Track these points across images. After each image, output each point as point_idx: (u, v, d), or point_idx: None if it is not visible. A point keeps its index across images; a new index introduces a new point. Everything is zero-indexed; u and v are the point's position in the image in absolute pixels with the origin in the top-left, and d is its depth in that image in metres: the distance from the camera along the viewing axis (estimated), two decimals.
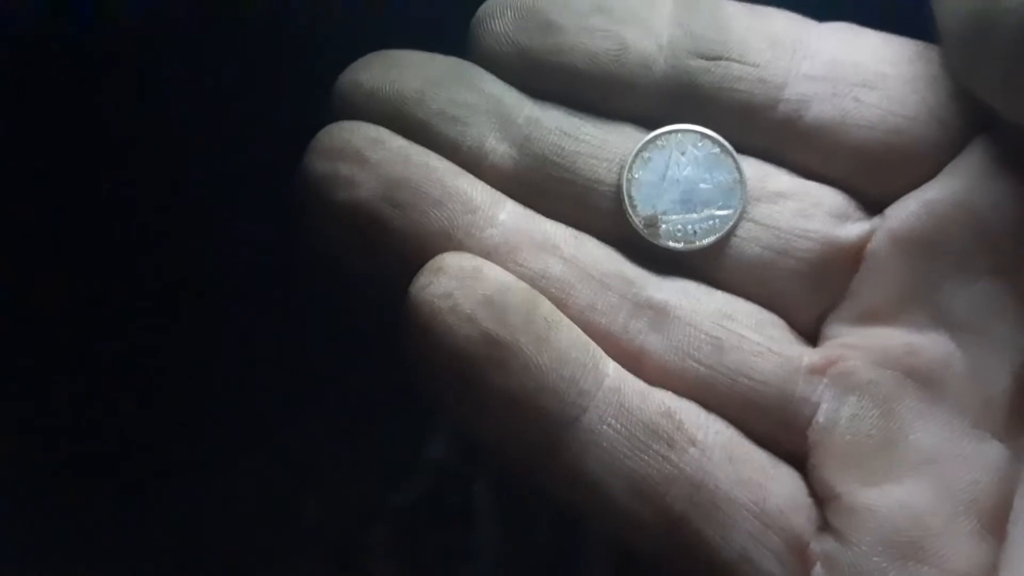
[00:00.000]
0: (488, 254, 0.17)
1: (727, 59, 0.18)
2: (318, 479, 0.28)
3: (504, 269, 0.17)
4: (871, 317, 0.18)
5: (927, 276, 0.18)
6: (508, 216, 0.18)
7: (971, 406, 0.17)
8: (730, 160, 0.18)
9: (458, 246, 0.17)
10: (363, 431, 0.28)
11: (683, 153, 0.18)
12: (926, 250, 0.18)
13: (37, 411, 0.26)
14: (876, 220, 0.18)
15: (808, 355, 0.18)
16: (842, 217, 0.18)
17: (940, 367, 0.17)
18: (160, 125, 0.25)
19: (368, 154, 0.17)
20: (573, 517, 0.17)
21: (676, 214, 0.18)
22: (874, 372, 0.18)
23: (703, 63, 0.18)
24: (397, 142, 0.17)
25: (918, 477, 0.17)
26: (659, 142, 0.18)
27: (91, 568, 0.25)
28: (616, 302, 0.18)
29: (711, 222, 0.18)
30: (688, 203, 0.18)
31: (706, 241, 0.18)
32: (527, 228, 0.18)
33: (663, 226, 0.18)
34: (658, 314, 0.18)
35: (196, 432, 0.27)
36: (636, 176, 0.18)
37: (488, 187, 0.18)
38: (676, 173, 0.18)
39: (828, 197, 0.18)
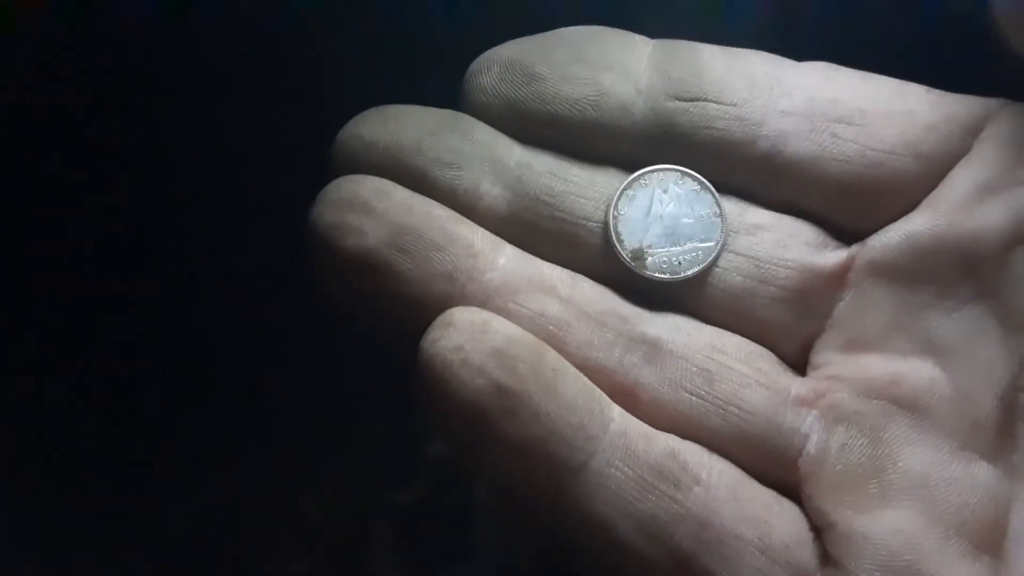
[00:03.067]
0: (489, 296, 0.18)
1: (704, 100, 0.19)
2: (319, 479, 0.28)
3: (507, 313, 0.18)
4: (857, 345, 0.19)
5: (911, 305, 0.18)
6: (507, 260, 0.18)
7: (958, 429, 0.18)
8: (709, 196, 0.19)
9: (460, 289, 0.18)
10: (363, 431, 0.29)
11: (665, 191, 0.19)
12: (909, 281, 0.18)
13: (36, 411, 0.26)
14: (855, 248, 0.19)
15: (796, 386, 0.18)
16: (819, 246, 0.19)
17: (925, 393, 0.18)
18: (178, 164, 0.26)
19: (374, 204, 0.18)
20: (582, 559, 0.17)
21: (661, 247, 0.19)
22: (860, 403, 0.18)
23: (681, 104, 0.19)
24: (401, 193, 0.18)
25: (909, 502, 0.17)
26: (642, 181, 0.19)
27: (92, 568, 0.26)
28: (611, 338, 0.18)
29: (694, 254, 0.19)
30: (672, 237, 0.19)
31: (691, 272, 0.19)
32: (526, 271, 0.18)
33: (649, 259, 0.19)
34: (651, 348, 0.18)
35: (197, 432, 0.27)
36: (622, 212, 0.19)
37: (488, 233, 0.18)
38: (659, 209, 0.19)
39: (804, 229, 0.19)
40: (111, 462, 0.27)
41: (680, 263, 0.19)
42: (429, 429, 0.29)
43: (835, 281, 0.19)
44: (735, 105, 0.19)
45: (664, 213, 0.19)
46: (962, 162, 0.18)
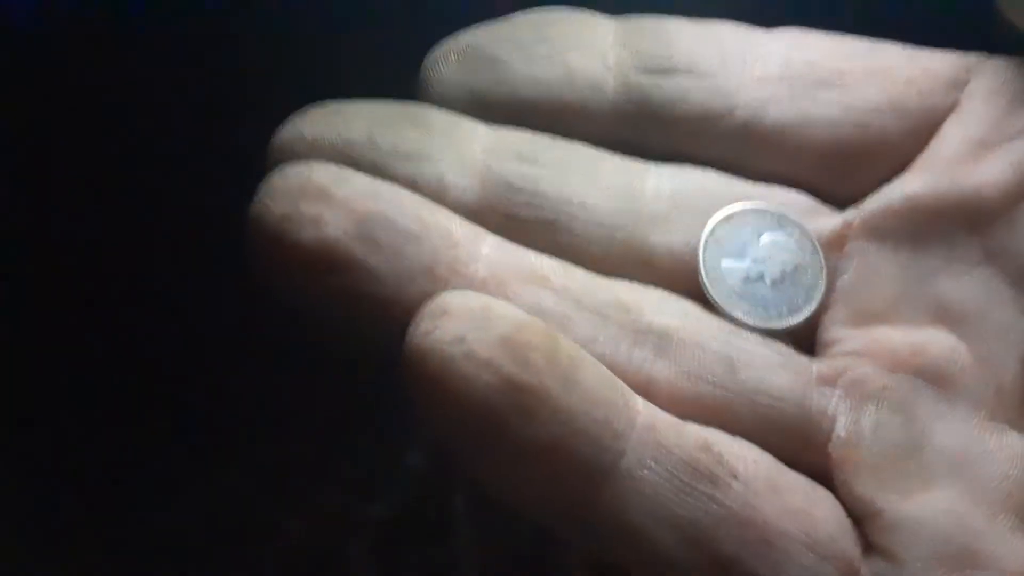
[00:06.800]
0: (476, 290, 0.16)
1: (676, 71, 0.18)
2: (296, 493, 0.28)
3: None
4: (867, 317, 0.18)
5: (918, 271, 0.17)
6: (491, 249, 0.17)
7: (984, 399, 0.17)
8: (808, 241, 0.18)
9: (442, 283, 0.16)
10: (341, 443, 0.28)
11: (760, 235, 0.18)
12: (913, 245, 0.17)
13: (8, 427, 0.26)
14: (851, 212, 0.18)
15: (816, 364, 0.17)
16: (813, 213, 0.18)
17: (948, 363, 0.17)
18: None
19: (333, 191, 0.16)
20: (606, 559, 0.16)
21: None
22: (886, 378, 0.17)
23: (652, 79, 0.18)
24: (362, 178, 0.16)
25: (952, 480, 0.16)
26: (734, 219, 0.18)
27: None
28: (616, 331, 0.16)
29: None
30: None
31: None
32: (512, 261, 0.17)
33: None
34: (661, 339, 0.16)
35: (170, 448, 0.27)
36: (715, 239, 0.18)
37: (466, 221, 0.17)
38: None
39: (797, 198, 0.18)
40: (84, 477, 0.26)
41: None
42: (408, 440, 0.28)
43: (834, 248, 0.18)
44: (709, 75, 0.18)
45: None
46: (952, 118, 0.18)
